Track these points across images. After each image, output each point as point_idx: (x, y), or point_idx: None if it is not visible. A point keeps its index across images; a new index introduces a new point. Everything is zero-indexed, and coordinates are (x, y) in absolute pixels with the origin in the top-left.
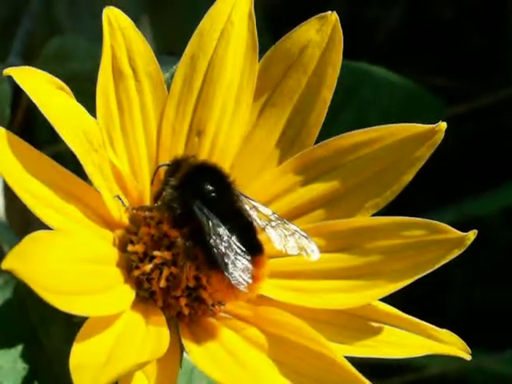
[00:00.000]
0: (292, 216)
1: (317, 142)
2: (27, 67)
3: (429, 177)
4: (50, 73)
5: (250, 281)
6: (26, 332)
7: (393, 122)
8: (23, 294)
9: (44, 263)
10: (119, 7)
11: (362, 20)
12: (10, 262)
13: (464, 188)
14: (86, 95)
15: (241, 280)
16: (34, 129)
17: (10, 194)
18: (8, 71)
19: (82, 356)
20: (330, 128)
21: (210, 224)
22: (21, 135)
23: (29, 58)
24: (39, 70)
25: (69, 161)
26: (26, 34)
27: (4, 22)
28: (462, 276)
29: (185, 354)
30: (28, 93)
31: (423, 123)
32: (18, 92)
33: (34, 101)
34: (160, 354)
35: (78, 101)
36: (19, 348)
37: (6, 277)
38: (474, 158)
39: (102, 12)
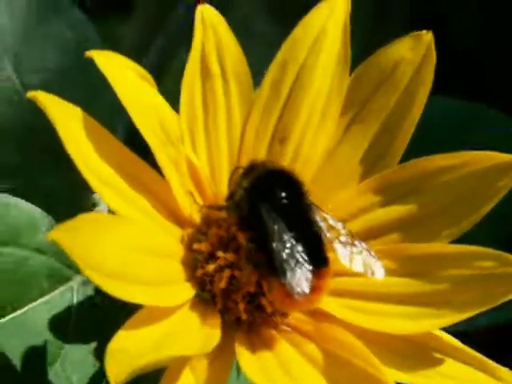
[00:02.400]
0: (366, 237)
1: None
2: (110, 52)
3: None
4: (177, 89)
5: (307, 290)
6: (101, 330)
7: None
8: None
9: (98, 242)
10: None
11: None
12: (57, 234)
13: None
14: None
15: (297, 289)
16: None
17: None
18: (90, 53)
19: (123, 342)
20: None
21: (276, 228)
22: None
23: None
24: (122, 56)
25: None
26: (160, 51)
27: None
28: None
29: None
30: (107, 76)
31: None
32: None
33: (112, 85)
34: (205, 351)
35: None
36: (92, 344)
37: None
38: None
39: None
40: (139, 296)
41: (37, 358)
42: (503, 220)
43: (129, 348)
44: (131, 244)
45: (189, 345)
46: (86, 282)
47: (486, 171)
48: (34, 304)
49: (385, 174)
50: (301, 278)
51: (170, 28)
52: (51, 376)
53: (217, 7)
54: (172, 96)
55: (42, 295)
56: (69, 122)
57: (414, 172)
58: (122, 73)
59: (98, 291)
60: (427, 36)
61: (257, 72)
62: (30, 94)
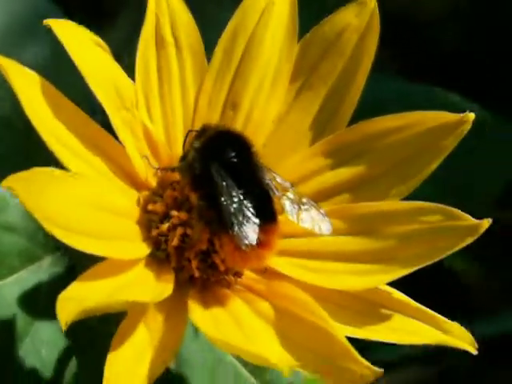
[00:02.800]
0: (317, 197)
1: None
2: (67, 20)
3: None
4: None
5: (254, 242)
6: None
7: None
8: (74, 271)
9: (51, 193)
10: None
11: None
12: (12, 182)
13: None
14: None
15: (245, 240)
16: None
17: None
18: (47, 21)
19: (76, 291)
20: None
21: (224, 184)
22: None
23: None
24: (79, 25)
25: None
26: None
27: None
28: None
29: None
30: (64, 44)
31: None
32: None
33: (69, 52)
34: (156, 299)
35: None
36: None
37: (59, 254)
38: None
39: None
40: (93, 247)
41: (7, 333)
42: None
43: (78, 295)
44: (86, 199)
45: (141, 293)
46: (56, 261)
47: (431, 131)
48: (5, 281)
49: (333, 137)
50: (248, 230)
51: None
52: (21, 351)
53: None
54: None
55: (12, 273)
56: (28, 86)
57: (362, 134)
58: (79, 40)
59: (69, 271)
60: (371, 3)
61: None
62: None
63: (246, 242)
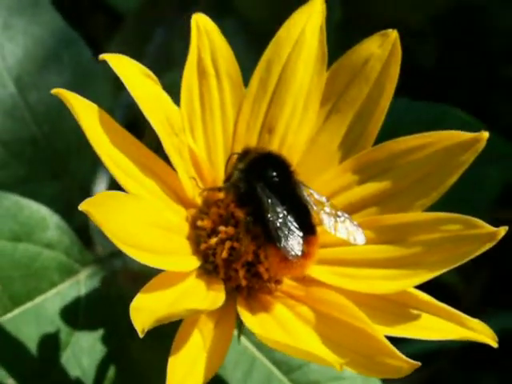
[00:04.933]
0: (348, 211)
1: None
2: (121, 55)
3: None
4: None
5: (300, 253)
6: (108, 318)
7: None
8: (109, 283)
9: (118, 214)
10: None
11: None
12: (87, 206)
13: None
14: None
15: (291, 252)
16: None
17: None
18: (103, 56)
19: (143, 301)
20: None
21: (269, 202)
22: None
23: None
24: (130, 59)
25: None
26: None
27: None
28: None
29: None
30: (120, 77)
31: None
32: None
33: (126, 85)
34: (213, 307)
35: None
36: (100, 332)
37: (94, 268)
38: None
39: None
40: (152, 261)
41: (50, 344)
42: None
43: (148, 305)
44: (144, 219)
45: (199, 302)
46: (92, 274)
47: (449, 148)
48: (46, 295)
49: (360, 155)
50: (293, 242)
51: (153, 52)
52: (63, 361)
53: None
54: None
55: (52, 287)
56: (88, 116)
57: (387, 152)
58: (132, 73)
59: (104, 283)
60: (393, 34)
61: None
62: (54, 90)
63: (293, 253)
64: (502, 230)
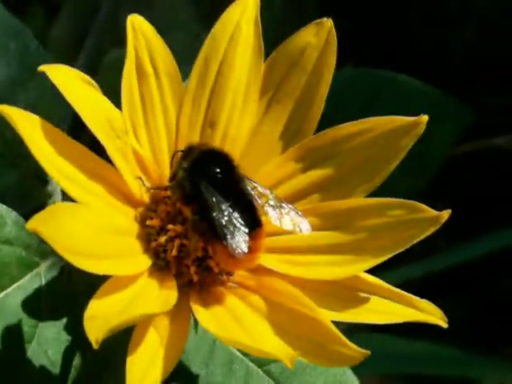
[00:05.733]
0: (292, 199)
1: None
2: (59, 65)
3: (498, 196)
4: (108, 82)
5: (246, 250)
6: (70, 307)
7: None
8: (69, 272)
9: (65, 226)
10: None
11: None
12: (34, 224)
13: None
14: None
15: (238, 249)
16: None
17: None
18: (42, 68)
19: (97, 309)
20: None
21: (214, 200)
22: None
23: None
24: (69, 67)
25: None
26: (92, 49)
27: (72, 40)
28: None
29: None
30: (58, 87)
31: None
32: None
33: (63, 93)
34: (165, 309)
35: None
36: (63, 321)
37: (53, 259)
38: None
39: (166, 29)
40: (104, 268)
41: (15, 338)
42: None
43: (101, 313)
44: (93, 225)
45: (151, 305)
46: (52, 265)
47: (389, 133)
48: (8, 291)
49: (302, 143)
50: (239, 239)
51: (98, 28)
52: (29, 353)
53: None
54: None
55: (13, 282)
56: (30, 128)
57: (327, 139)
58: (70, 80)
59: (64, 273)
60: (328, 23)
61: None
62: None
63: (239, 250)
64: (445, 214)
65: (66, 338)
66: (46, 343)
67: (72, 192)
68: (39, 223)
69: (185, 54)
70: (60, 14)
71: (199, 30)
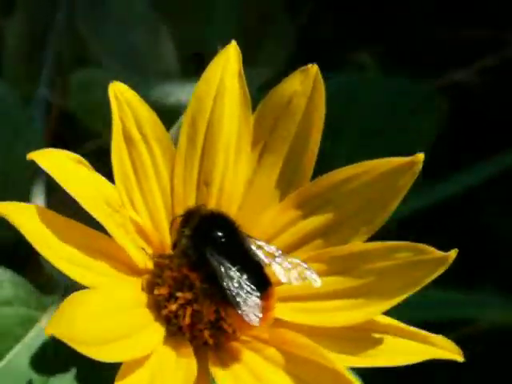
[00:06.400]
0: (295, 246)
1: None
2: (47, 150)
3: (465, 132)
4: (78, 103)
5: (261, 315)
6: (78, 356)
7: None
8: None
9: (77, 323)
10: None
11: None
12: (49, 330)
13: (501, 141)
14: None
15: (252, 316)
16: (71, 128)
17: None
18: (31, 155)
19: None
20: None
21: (222, 269)
22: (56, 141)
23: (59, 73)
24: (58, 150)
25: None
26: (53, 61)
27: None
28: None
29: None
30: (49, 173)
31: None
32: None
33: (55, 179)
34: (190, 382)
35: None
36: (73, 371)
37: (54, 310)
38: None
39: (124, 22)
40: (121, 353)
41: None
42: None
43: None
44: (102, 310)
45: (173, 380)
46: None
47: (387, 174)
48: (14, 351)
49: (300, 191)
50: (252, 305)
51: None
52: None
53: None
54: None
55: (17, 341)
56: (26, 219)
57: (325, 185)
58: (62, 166)
59: None
60: (313, 69)
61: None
62: None
63: (254, 317)
64: (453, 253)
65: None
66: None
67: (76, 276)
68: (53, 328)
69: (146, 48)
70: (15, 10)
71: (157, 22)
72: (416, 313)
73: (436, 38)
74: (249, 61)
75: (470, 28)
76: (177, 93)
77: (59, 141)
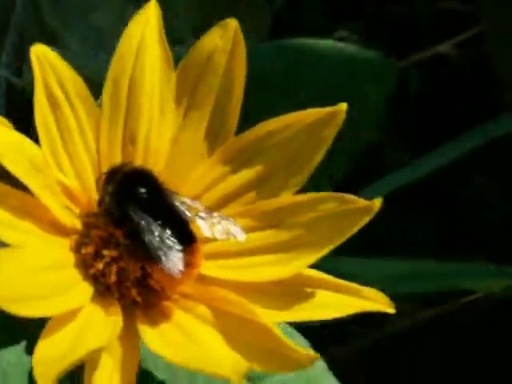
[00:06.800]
0: (225, 202)
1: None
2: None
3: (448, 104)
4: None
5: (182, 268)
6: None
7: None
8: None
9: (4, 279)
10: None
11: None
12: None
13: (484, 112)
14: None
15: (174, 270)
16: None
17: None
18: None
19: (45, 350)
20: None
21: (143, 223)
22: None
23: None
24: None
25: None
26: (14, 43)
27: None
28: None
29: None
30: None
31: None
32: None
33: None
34: (114, 338)
35: None
36: (23, 344)
37: None
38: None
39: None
40: (46, 310)
41: None
42: None
43: (49, 355)
44: (29, 266)
45: (99, 336)
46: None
47: (310, 126)
48: None
49: (226, 145)
50: (174, 259)
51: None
52: None
53: None
54: None
55: None
56: None
57: (251, 139)
58: None
59: None
60: (232, 23)
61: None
62: None
63: (175, 270)
64: (377, 202)
65: (28, 360)
66: (10, 368)
67: (2, 235)
68: None
69: (110, 29)
70: None
71: (122, 6)
72: (414, 284)
73: (414, 12)
74: None
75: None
76: None
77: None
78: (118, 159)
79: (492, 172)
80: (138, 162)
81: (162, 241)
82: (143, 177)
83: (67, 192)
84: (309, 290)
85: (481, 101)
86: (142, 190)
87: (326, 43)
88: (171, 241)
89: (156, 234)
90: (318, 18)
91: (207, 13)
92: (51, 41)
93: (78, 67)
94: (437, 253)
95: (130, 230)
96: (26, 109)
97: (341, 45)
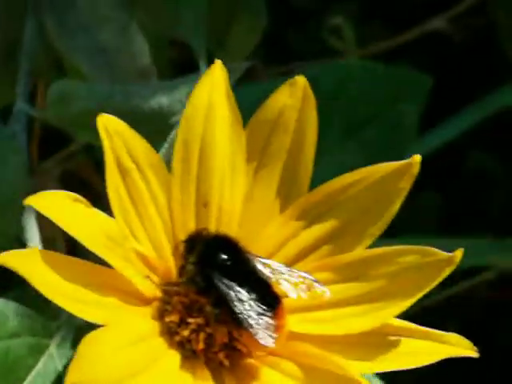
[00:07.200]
0: (300, 256)
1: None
2: (43, 193)
3: (453, 76)
4: (59, 117)
5: (275, 335)
6: None
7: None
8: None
9: (98, 364)
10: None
11: None
12: (75, 375)
13: (482, 87)
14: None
15: (266, 338)
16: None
17: None
18: (27, 201)
19: None
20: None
21: (232, 293)
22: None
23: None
24: (54, 192)
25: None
26: (27, 72)
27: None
28: None
29: None
30: (47, 216)
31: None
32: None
33: (54, 221)
34: None
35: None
36: None
37: (62, 333)
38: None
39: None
40: None
41: None
42: None
43: None
44: (118, 345)
45: None
46: (61, 342)
47: (383, 179)
48: (27, 382)
49: (299, 202)
50: (266, 326)
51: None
52: None
53: None
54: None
55: (29, 372)
56: (30, 266)
57: (324, 193)
58: (59, 207)
59: (75, 345)
60: (301, 80)
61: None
62: None
63: (269, 339)
64: (459, 253)
65: None
66: None
67: (85, 314)
68: (75, 375)
69: (116, 48)
70: None
71: (125, 19)
72: None
73: None
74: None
75: None
76: (157, 96)
77: (45, 148)
78: (191, 223)
79: (493, 147)
80: (212, 224)
81: (252, 308)
82: (224, 243)
83: (144, 261)
84: (394, 338)
85: (478, 75)
86: (225, 257)
87: (365, 63)
88: (260, 307)
89: (245, 302)
90: (308, 4)
91: (207, 12)
92: (60, 67)
93: (105, 100)
94: (440, 230)
95: (217, 298)
96: (48, 139)
97: (374, 66)
